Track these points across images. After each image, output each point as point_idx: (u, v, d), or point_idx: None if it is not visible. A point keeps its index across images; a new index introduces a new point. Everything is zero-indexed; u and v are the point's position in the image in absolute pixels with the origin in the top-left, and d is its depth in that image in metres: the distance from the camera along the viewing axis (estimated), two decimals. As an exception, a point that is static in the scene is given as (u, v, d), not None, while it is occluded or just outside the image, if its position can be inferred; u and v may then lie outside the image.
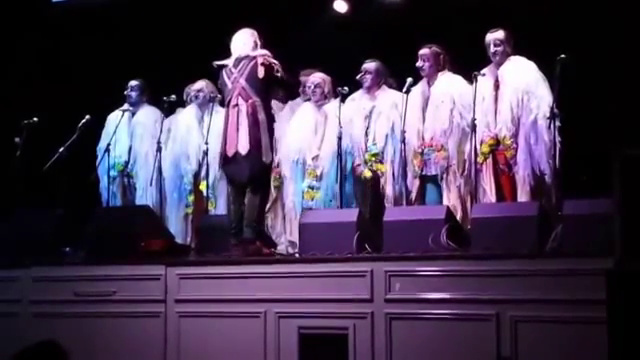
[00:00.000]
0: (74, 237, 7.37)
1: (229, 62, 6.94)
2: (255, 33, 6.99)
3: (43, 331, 6.41)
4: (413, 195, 7.29)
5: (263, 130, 6.78)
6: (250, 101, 6.79)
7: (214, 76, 7.30)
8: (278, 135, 8.02)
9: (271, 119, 6.96)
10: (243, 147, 6.76)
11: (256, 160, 6.75)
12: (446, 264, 5.84)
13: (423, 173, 7.28)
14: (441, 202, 7.08)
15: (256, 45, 6.94)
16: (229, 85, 6.90)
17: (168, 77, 8.50)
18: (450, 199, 7.11)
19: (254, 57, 6.85)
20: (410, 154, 7.26)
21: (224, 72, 6.95)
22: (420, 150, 7.27)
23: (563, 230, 5.74)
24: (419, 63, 7.34)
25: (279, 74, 6.85)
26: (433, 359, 5.73)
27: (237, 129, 6.77)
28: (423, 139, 7.27)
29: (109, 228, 7.12)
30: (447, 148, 7.17)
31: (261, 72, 6.79)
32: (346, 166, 7.52)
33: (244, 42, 6.95)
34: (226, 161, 6.90)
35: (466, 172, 7.09)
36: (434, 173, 7.23)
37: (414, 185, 7.31)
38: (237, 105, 6.82)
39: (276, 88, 7.48)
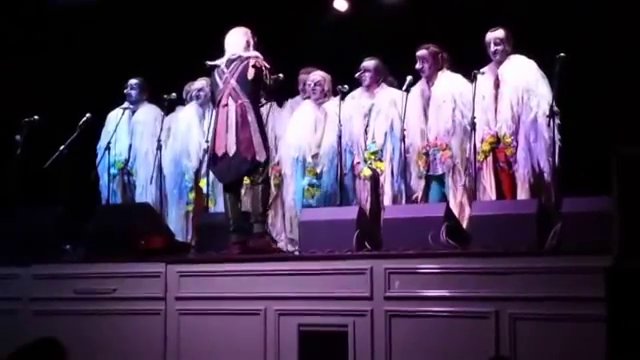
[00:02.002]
0: (74, 235, 7.36)
1: (221, 62, 6.93)
2: (249, 32, 6.97)
3: (43, 329, 6.42)
4: (419, 195, 7.29)
5: (254, 130, 6.76)
6: (239, 102, 6.78)
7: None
8: (278, 134, 8.07)
9: (260, 118, 6.94)
10: (230, 148, 6.76)
11: (244, 161, 6.74)
12: (445, 262, 5.84)
13: (429, 173, 7.27)
14: (445, 201, 7.07)
15: (248, 45, 6.91)
16: (220, 85, 6.89)
17: (168, 75, 8.52)
18: (457, 197, 7.12)
19: (246, 58, 6.83)
20: (414, 155, 7.26)
21: (216, 72, 6.94)
22: (425, 151, 7.26)
23: (562, 228, 5.73)
24: (418, 65, 7.31)
25: (267, 80, 6.84)
26: (432, 356, 5.73)
27: (226, 129, 6.77)
28: (427, 140, 7.27)
29: (109, 226, 7.12)
30: (451, 147, 7.17)
31: (251, 73, 6.77)
32: (346, 164, 7.53)
33: (236, 42, 6.93)
34: (215, 160, 6.90)
35: (467, 170, 7.11)
36: (440, 173, 7.23)
37: (419, 185, 7.31)
38: (227, 105, 6.81)
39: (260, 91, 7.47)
